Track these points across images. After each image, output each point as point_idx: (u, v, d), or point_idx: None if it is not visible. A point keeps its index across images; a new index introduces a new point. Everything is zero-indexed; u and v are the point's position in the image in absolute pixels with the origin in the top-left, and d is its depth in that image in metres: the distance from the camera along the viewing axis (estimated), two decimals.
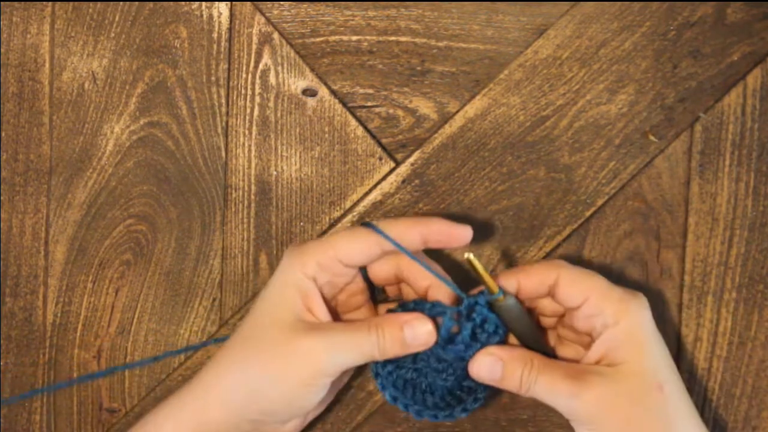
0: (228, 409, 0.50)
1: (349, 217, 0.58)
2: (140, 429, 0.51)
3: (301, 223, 0.58)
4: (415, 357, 0.52)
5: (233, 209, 0.59)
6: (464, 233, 0.50)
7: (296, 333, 0.49)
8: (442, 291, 0.51)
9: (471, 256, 0.49)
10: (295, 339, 0.49)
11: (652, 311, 0.57)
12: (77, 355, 0.59)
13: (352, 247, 0.50)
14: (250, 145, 0.58)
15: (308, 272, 0.50)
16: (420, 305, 0.51)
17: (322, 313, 0.50)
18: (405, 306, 0.52)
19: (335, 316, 0.53)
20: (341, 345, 0.49)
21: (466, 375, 0.52)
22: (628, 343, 0.49)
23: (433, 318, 0.50)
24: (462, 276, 0.55)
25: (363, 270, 0.53)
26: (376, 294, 0.55)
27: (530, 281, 0.51)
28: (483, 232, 0.58)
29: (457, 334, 0.50)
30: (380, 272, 0.53)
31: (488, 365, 0.50)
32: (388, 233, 0.50)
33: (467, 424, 0.58)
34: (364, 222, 0.52)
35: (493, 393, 0.58)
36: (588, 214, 0.58)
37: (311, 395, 0.49)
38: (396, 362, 0.52)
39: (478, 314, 0.50)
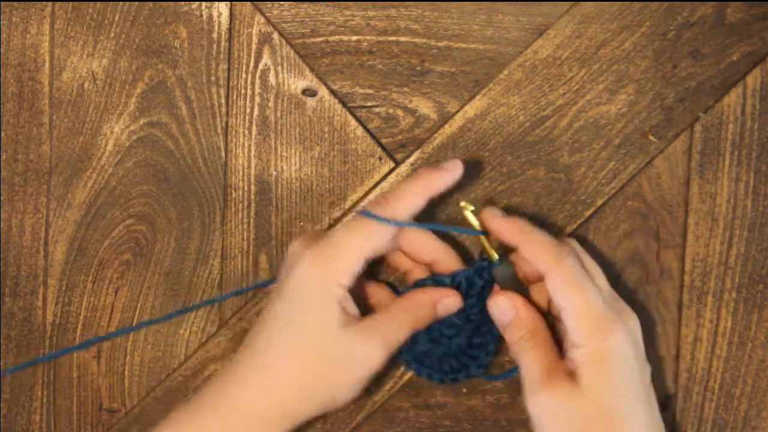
0: (281, 408, 0.51)
1: (349, 218, 0.58)
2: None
3: (301, 223, 0.58)
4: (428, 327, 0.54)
5: (233, 209, 0.59)
6: (451, 174, 0.53)
7: (349, 340, 0.51)
8: (445, 266, 0.54)
9: (467, 208, 0.53)
10: (350, 346, 0.51)
11: (650, 312, 0.57)
12: (77, 355, 0.59)
13: (370, 247, 0.52)
14: (249, 145, 0.58)
15: (344, 283, 0.51)
16: (440, 279, 0.54)
17: (355, 310, 0.52)
18: (424, 282, 0.54)
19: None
20: (389, 337, 0.51)
21: (469, 344, 0.54)
22: (590, 367, 0.48)
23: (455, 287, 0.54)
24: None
25: None
26: None
27: (528, 254, 0.51)
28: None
29: (470, 291, 0.54)
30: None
31: (503, 308, 0.52)
32: (388, 211, 0.51)
33: (467, 424, 0.58)
34: (363, 212, 0.52)
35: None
36: (588, 214, 0.58)
37: (362, 388, 0.52)
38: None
39: (483, 278, 0.53)
